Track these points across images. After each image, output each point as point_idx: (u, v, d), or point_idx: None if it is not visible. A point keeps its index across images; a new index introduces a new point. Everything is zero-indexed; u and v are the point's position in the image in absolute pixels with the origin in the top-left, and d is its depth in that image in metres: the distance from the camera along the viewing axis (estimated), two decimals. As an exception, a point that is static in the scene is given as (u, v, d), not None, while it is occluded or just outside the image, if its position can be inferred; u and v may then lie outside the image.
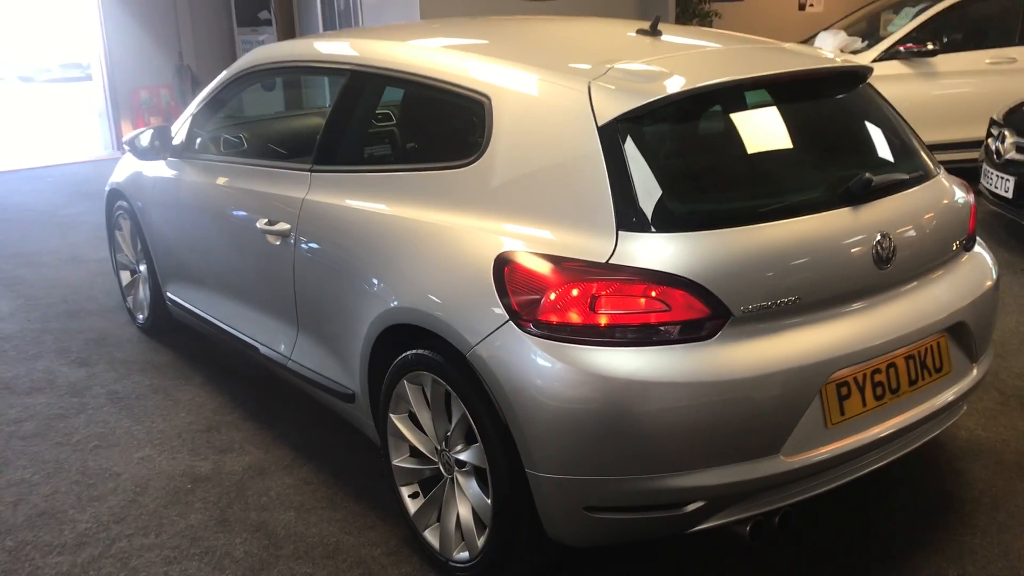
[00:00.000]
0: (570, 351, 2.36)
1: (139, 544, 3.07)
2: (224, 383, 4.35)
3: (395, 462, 2.98)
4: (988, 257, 3.09)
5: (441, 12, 8.84)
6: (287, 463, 3.57)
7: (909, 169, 2.91)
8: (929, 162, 3.02)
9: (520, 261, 2.48)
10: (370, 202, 3.06)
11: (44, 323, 5.29)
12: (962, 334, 2.85)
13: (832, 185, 2.70)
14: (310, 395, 3.55)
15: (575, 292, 2.38)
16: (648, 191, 2.46)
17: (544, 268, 2.43)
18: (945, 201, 2.94)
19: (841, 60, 3.12)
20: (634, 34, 3.15)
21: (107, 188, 5.05)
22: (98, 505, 3.32)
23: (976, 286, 2.92)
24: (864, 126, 3.01)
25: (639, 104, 2.52)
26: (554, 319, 2.39)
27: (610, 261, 2.38)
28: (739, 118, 2.75)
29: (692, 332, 2.38)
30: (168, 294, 4.55)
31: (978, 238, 3.15)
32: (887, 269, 2.64)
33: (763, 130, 2.77)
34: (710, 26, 11.63)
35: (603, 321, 2.36)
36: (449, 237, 2.72)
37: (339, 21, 10.46)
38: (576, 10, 9.44)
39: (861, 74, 3.04)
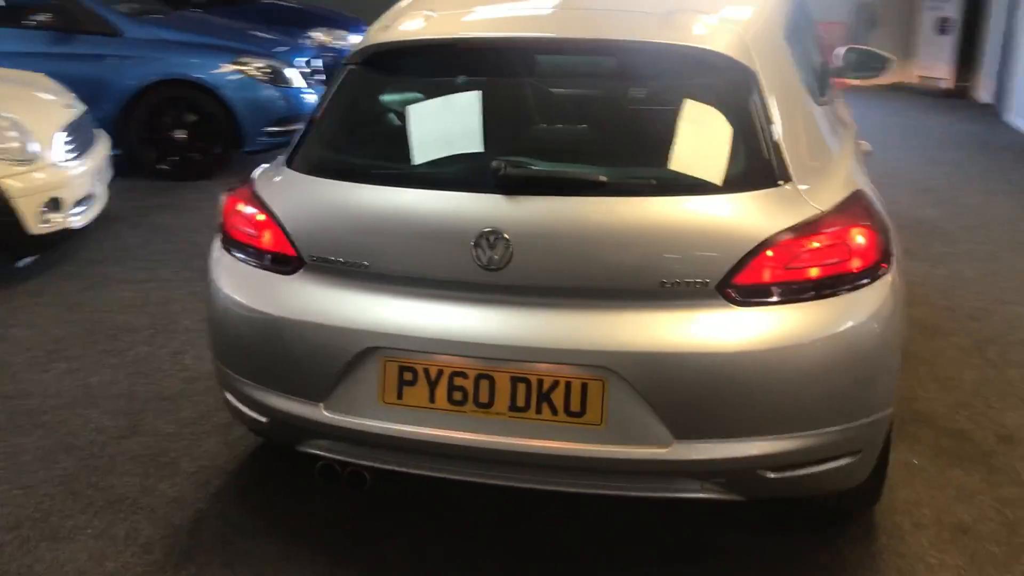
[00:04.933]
0: (215, 254, 2.80)
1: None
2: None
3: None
4: (758, 322, 2.28)
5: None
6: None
7: (635, 176, 2.40)
8: (700, 181, 2.37)
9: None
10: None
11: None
12: (632, 390, 2.29)
13: (475, 168, 2.43)
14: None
15: (223, 199, 2.78)
16: (316, 131, 2.70)
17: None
18: (668, 225, 2.30)
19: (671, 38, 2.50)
20: None
21: None
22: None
23: (670, 340, 2.27)
24: (619, 120, 2.49)
25: (360, 48, 2.70)
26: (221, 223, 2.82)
27: (252, 186, 2.71)
28: (458, 79, 2.63)
29: (279, 265, 2.59)
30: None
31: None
32: (499, 271, 2.33)
33: (468, 98, 2.58)
34: None
35: (231, 234, 2.73)
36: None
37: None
38: None
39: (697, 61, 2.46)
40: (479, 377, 2.38)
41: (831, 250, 2.35)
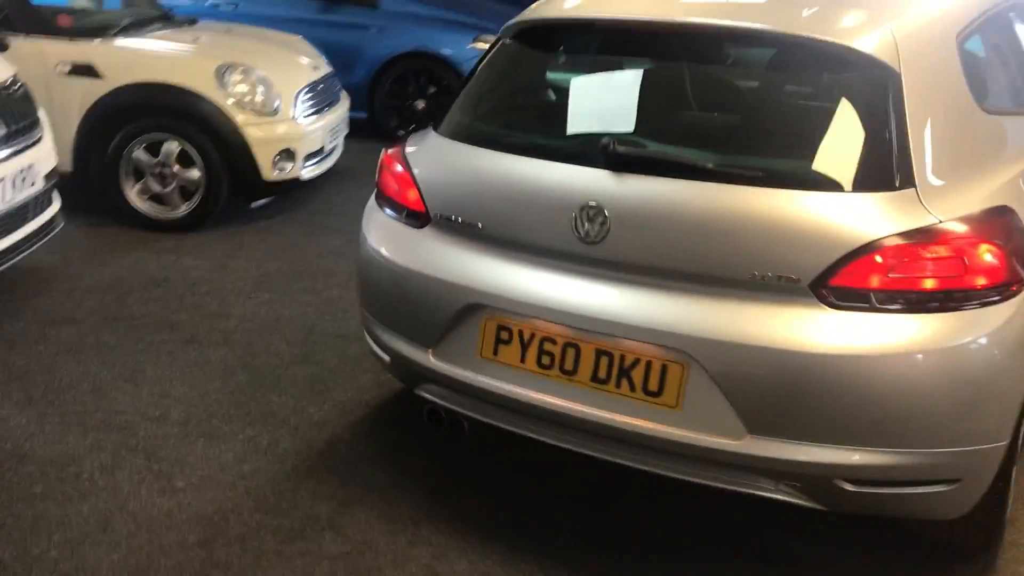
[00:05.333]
0: (368, 207, 3.07)
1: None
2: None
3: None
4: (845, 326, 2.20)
5: None
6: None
7: (742, 165, 2.38)
8: (813, 178, 2.31)
9: None
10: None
11: None
12: (710, 377, 2.29)
13: (589, 143, 2.50)
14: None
15: (382, 157, 3.02)
16: (462, 98, 2.88)
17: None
18: (768, 217, 2.25)
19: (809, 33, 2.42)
20: None
21: None
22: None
23: (755, 333, 2.24)
24: (760, 109, 2.48)
25: (512, 23, 2.86)
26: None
27: (403, 146, 2.94)
28: (597, 58, 2.72)
29: (412, 219, 2.81)
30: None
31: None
32: (596, 245, 2.40)
33: (600, 76, 2.65)
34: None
35: (382, 189, 2.98)
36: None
37: None
38: None
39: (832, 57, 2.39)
40: (566, 345, 2.48)
41: (946, 262, 2.22)
